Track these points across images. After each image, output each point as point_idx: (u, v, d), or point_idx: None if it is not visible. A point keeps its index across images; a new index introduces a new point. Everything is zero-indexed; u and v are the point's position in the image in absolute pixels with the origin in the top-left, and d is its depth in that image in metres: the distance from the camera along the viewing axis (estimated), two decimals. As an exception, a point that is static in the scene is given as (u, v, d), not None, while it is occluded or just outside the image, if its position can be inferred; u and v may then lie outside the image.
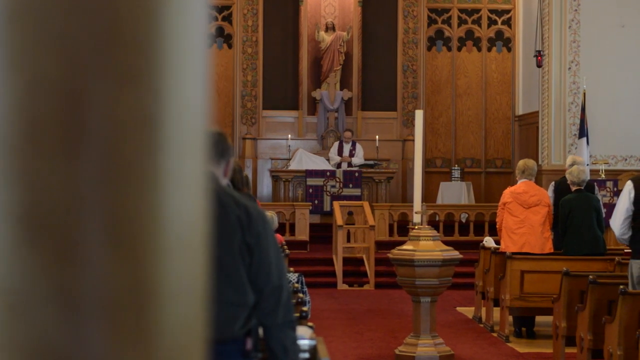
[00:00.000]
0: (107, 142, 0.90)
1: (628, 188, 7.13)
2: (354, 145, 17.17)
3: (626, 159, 15.76)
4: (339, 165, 16.88)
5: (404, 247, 8.01)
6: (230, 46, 18.48)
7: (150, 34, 0.91)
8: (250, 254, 3.19)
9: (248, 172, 17.60)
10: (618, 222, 7.12)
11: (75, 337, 0.89)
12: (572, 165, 9.69)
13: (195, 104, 0.95)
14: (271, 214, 10.37)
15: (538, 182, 14.73)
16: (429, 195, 18.24)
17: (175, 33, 0.92)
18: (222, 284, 3.17)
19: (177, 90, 0.93)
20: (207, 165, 2.86)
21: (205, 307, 0.97)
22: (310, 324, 4.43)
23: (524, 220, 9.35)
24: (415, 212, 8.19)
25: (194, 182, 0.95)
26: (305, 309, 4.98)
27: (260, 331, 3.29)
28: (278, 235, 10.28)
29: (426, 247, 7.90)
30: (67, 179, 0.89)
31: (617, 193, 13.81)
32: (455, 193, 17.50)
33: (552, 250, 9.43)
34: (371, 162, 17.14)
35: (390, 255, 8.11)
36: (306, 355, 3.57)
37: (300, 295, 5.47)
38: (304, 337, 3.62)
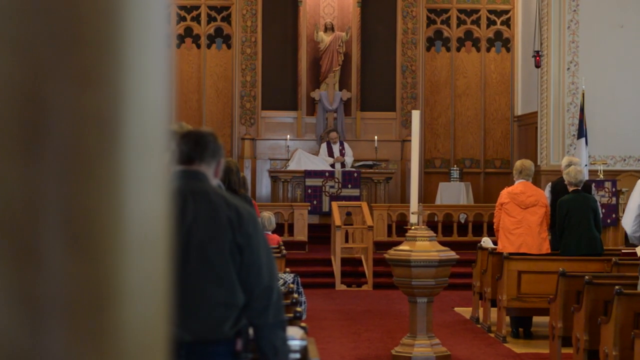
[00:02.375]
0: (67, 143, 0.90)
1: (639, 186, 7.15)
2: (342, 145, 17.17)
3: (625, 159, 15.76)
4: (332, 166, 16.88)
5: (401, 247, 8.01)
6: (229, 47, 18.49)
7: (111, 34, 0.91)
8: (240, 254, 3.20)
9: (247, 172, 17.59)
10: (630, 220, 7.12)
11: (35, 338, 0.89)
12: (568, 165, 9.68)
13: (157, 104, 0.94)
14: (269, 215, 10.37)
15: (537, 182, 14.72)
16: (428, 196, 18.23)
17: (136, 34, 0.92)
18: (213, 284, 3.18)
19: (138, 90, 0.92)
20: (197, 166, 2.85)
21: (168, 306, 0.97)
22: (303, 324, 4.43)
23: (521, 220, 9.35)
24: (412, 213, 8.19)
25: (155, 182, 0.95)
26: (299, 309, 4.98)
27: (251, 331, 3.29)
28: (275, 236, 10.29)
29: (422, 247, 7.89)
30: (26, 179, 0.89)
31: (616, 194, 13.81)
32: (454, 193, 17.50)
33: (549, 251, 9.43)
34: (370, 163, 17.14)
35: (386, 256, 8.10)
36: (297, 355, 3.57)
37: (295, 295, 5.46)
38: (295, 338, 3.62)
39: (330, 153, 17.09)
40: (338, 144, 17.14)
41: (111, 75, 0.91)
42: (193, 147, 3.26)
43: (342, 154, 17.09)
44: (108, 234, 0.91)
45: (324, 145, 17.23)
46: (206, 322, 3.16)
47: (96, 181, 0.90)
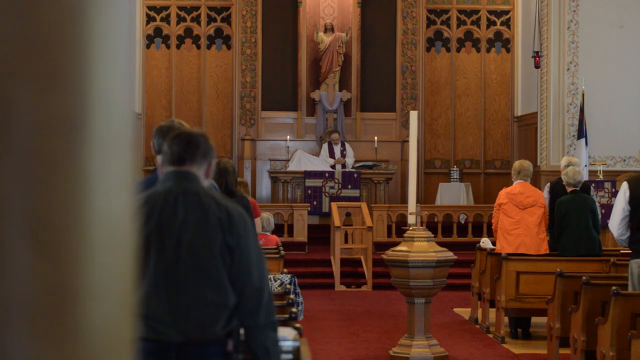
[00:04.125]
0: (31, 143, 0.90)
1: (623, 188, 7.14)
2: (343, 146, 17.17)
3: (625, 160, 15.75)
4: (333, 168, 16.88)
5: (398, 248, 8.01)
6: (229, 47, 18.49)
7: (76, 35, 0.90)
8: (231, 255, 3.20)
9: (247, 173, 17.59)
10: (615, 222, 7.12)
11: (-1, 337, 0.88)
12: (567, 166, 9.67)
13: (122, 105, 0.94)
14: (267, 216, 10.37)
15: (537, 183, 14.71)
16: (428, 197, 18.23)
17: (101, 35, 0.92)
18: (203, 285, 3.18)
19: (103, 92, 0.92)
20: (188, 167, 2.84)
21: (133, 306, 0.97)
22: (297, 325, 4.43)
23: (519, 221, 9.34)
24: (410, 213, 8.19)
25: (120, 182, 0.95)
26: (294, 310, 4.97)
27: (242, 332, 3.29)
28: (274, 237, 10.28)
29: (420, 248, 7.89)
30: (-11, 179, 0.88)
31: (615, 194, 13.79)
32: (454, 194, 17.49)
33: (547, 251, 9.42)
34: (370, 163, 17.14)
35: (384, 257, 8.10)
36: (289, 356, 3.57)
37: (291, 296, 5.46)
38: (287, 339, 3.62)
39: (332, 154, 17.09)
40: (339, 144, 17.14)
41: (76, 76, 0.91)
42: (184, 148, 3.26)
43: (343, 155, 17.09)
44: (72, 234, 0.91)
45: (325, 146, 17.23)
46: (197, 323, 3.16)
47: (60, 181, 0.90)
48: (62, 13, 0.92)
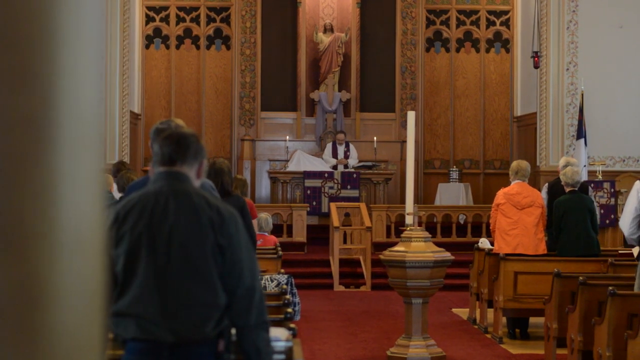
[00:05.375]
0: (-2, 144, 0.90)
1: (636, 188, 7.16)
2: (347, 146, 17.17)
3: (624, 160, 15.74)
4: (335, 168, 16.88)
5: (396, 248, 8.01)
6: (228, 48, 18.49)
7: (44, 36, 0.90)
8: (222, 255, 3.20)
9: (246, 173, 17.59)
10: (627, 222, 7.13)
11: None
12: (565, 166, 9.66)
13: (91, 106, 0.94)
14: (266, 216, 10.37)
15: (536, 183, 14.70)
16: (427, 197, 18.23)
17: (69, 36, 0.92)
18: (195, 285, 3.18)
19: (71, 92, 0.92)
20: (179, 167, 2.84)
21: (102, 307, 0.97)
22: (292, 325, 4.42)
23: (517, 221, 9.34)
24: (407, 214, 8.18)
25: (89, 184, 0.94)
26: (290, 310, 4.97)
27: (234, 332, 3.29)
28: (272, 237, 10.29)
29: (418, 248, 7.89)
30: (-45, 180, 0.88)
31: (615, 194, 13.79)
32: (454, 194, 17.49)
33: (545, 252, 9.41)
34: (369, 164, 17.14)
35: (382, 257, 8.10)
36: (281, 356, 3.57)
37: (288, 297, 5.46)
38: (280, 339, 3.62)
39: (335, 154, 17.09)
40: (343, 145, 17.14)
41: (44, 76, 0.91)
42: (175, 148, 3.27)
43: (346, 155, 17.08)
44: (40, 236, 0.91)
45: (329, 145, 17.23)
46: (188, 323, 3.16)
47: (28, 182, 0.90)
48: (30, 14, 0.91)
